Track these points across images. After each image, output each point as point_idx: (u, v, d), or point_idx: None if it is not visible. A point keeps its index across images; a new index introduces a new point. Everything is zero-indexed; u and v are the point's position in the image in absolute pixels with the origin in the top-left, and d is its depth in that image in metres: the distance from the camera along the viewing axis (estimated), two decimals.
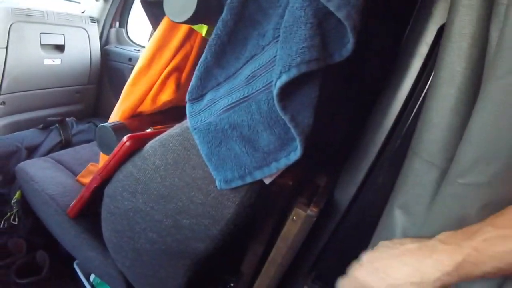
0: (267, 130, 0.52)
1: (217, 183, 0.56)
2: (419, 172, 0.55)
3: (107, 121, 1.63)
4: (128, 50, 1.78)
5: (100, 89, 1.86)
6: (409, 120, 0.67)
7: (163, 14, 0.77)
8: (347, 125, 0.80)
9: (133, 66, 1.63)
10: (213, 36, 0.56)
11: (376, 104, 0.71)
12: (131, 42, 1.87)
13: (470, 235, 0.41)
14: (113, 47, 1.81)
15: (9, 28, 1.37)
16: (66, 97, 1.69)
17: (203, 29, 0.69)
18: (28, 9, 1.45)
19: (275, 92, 0.47)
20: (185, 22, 0.61)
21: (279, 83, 0.46)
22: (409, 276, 0.43)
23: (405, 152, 0.60)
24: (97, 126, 1.58)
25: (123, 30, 1.87)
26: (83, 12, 1.75)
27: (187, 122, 0.59)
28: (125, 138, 0.65)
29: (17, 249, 1.23)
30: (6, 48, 1.36)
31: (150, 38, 1.77)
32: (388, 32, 0.80)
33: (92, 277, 1.13)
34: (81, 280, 1.11)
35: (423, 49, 0.63)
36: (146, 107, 0.83)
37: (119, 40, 1.86)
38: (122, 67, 1.76)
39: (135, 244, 0.74)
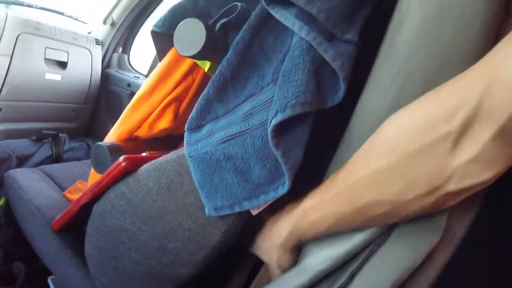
0: (259, 164, 0.56)
1: (206, 210, 0.58)
2: None
3: (96, 141, 1.66)
4: (128, 76, 1.82)
5: (95, 110, 1.88)
6: None
7: (170, 47, 0.82)
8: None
9: (131, 92, 1.70)
10: (217, 72, 0.60)
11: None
12: (131, 69, 1.92)
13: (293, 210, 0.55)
14: (113, 71, 1.85)
15: (17, 37, 1.40)
16: (61, 113, 1.72)
17: (206, 65, 0.74)
18: (38, 22, 1.50)
19: (269, 129, 0.51)
20: (191, 57, 0.66)
21: (274, 121, 0.50)
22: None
23: None
24: (89, 145, 1.61)
25: (125, 56, 1.92)
26: (89, 33, 1.81)
27: (183, 150, 0.62)
28: (121, 159, 0.68)
29: None
30: (11, 56, 1.39)
31: (150, 68, 1.84)
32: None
33: None
34: None
35: None
36: (143, 132, 0.86)
37: (120, 65, 1.91)
38: (120, 92, 1.79)
39: (118, 264, 0.75)
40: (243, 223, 0.62)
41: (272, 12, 0.56)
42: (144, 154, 0.74)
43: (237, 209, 0.57)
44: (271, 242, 0.58)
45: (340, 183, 0.47)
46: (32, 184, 1.08)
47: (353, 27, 0.53)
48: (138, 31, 1.90)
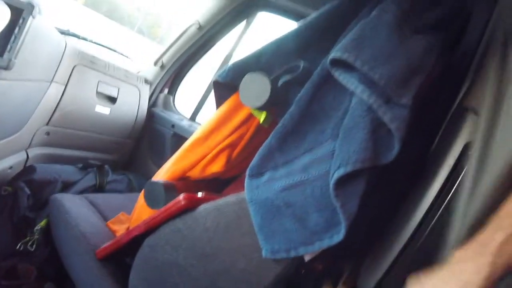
0: (317, 212, 0.60)
1: (263, 251, 0.62)
2: None
3: (138, 176, 1.73)
4: (172, 117, 1.91)
5: (137, 146, 1.96)
6: (434, 220, 0.74)
7: (228, 96, 0.89)
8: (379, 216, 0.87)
9: (174, 133, 1.78)
10: (280, 125, 0.66)
11: (405, 204, 0.79)
12: (175, 110, 2.02)
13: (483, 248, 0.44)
14: (159, 110, 1.94)
15: (73, 68, 1.50)
16: (104, 145, 1.79)
17: (261, 117, 0.80)
18: (93, 56, 1.61)
19: (332, 181, 0.56)
20: (255, 108, 0.73)
21: (336, 175, 0.55)
22: None
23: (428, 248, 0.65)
24: (130, 179, 1.67)
25: (171, 97, 2.02)
26: (138, 72, 1.93)
27: (243, 194, 0.67)
28: (181, 197, 0.73)
29: (25, 275, 1.24)
30: (66, 85, 1.48)
31: (193, 112, 1.93)
32: (417, 144, 0.90)
33: None
34: None
35: (450, 161, 0.72)
36: (195, 173, 0.91)
37: (166, 106, 2.01)
38: (164, 131, 1.87)
39: None
40: (293, 269, 0.65)
41: (336, 74, 0.62)
42: (199, 194, 0.79)
43: (292, 253, 0.61)
44: None
45: None
46: (78, 210, 1.13)
47: (408, 93, 0.59)
48: (185, 74, 2.00)
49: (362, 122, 0.58)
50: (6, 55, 0.98)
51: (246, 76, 0.74)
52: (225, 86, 0.86)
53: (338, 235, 0.58)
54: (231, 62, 1.87)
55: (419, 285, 0.46)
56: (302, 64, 0.75)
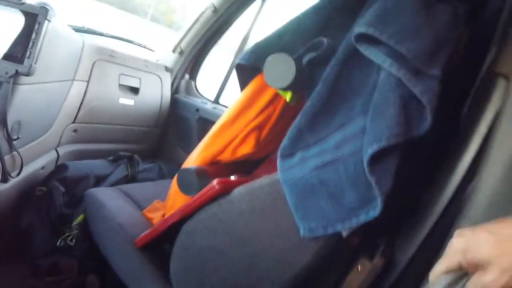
0: (351, 189, 0.60)
1: (301, 230, 0.63)
2: None
3: (167, 163, 1.76)
4: (196, 101, 1.93)
5: (164, 133, 2.00)
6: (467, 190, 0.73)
7: (252, 78, 0.89)
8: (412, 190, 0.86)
9: (200, 117, 1.79)
10: (308, 104, 0.66)
11: (438, 177, 0.78)
12: (198, 94, 2.04)
13: None
14: (182, 96, 1.97)
15: (93, 64, 1.53)
16: (132, 136, 1.84)
17: (287, 96, 0.80)
18: (112, 50, 1.63)
19: (366, 158, 0.56)
20: (281, 89, 0.73)
21: (370, 151, 0.55)
22: None
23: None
24: (160, 167, 1.71)
25: (193, 82, 2.04)
26: (157, 61, 1.95)
27: (275, 175, 0.67)
28: (214, 182, 0.74)
29: (68, 269, 1.29)
30: (88, 81, 1.51)
31: (217, 94, 1.94)
32: (447, 115, 0.88)
33: None
34: None
35: (482, 129, 0.70)
36: (226, 156, 0.92)
37: (188, 91, 2.03)
38: (189, 116, 1.91)
39: (204, 280, 0.80)
40: (331, 247, 0.66)
41: (361, 49, 0.61)
42: (232, 177, 0.80)
43: (330, 230, 0.62)
44: None
45: None
46: (113, 202, 1.17)
47: (437, 64, 0.58)
48: (204, 59, 2.02)
49: (392, 96, 0.57)
50: (26, 62, 1.00)
51: (269, 58, 0.74)
52: (248, 69, 0.86)
53: (374, 211, 0.58)
54: (250, 42, 1.87)
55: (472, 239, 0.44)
56: (325, 40, 0.74)
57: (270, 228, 0.67)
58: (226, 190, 0.74)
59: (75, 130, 1.56)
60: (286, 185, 0.64)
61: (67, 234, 1.28)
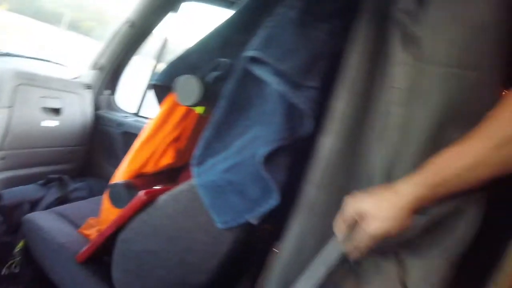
0: (253, 185, 0.73)
1: (218, 224, 0.75)
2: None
3: (96, 180, 1.79)
4: (118, 116, 1.97)
5: (90, 151, 2.01)
6: None
7: (167, 95, 0.99)
8: None
9: (122, 131, 1.83)
10: (213, 117, 0.78)
11: None
12: (119, 109, 2.07)
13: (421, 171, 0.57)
14: (104, 112, 1.99)
15: (15, 89, 1.51)
16: (59, 156, 1.84)
17: (199, 109, 0.91)
18: (32, 73, 1.62)
19: (260, 159, 0.69)
20: (189, 105, 0.84)
21: (262, 153, 0.68)
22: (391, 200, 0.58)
23: None
24: (89, 184, 1.74)
25: (113, 97, 2.07)
26: (76, 78, 1.95)
27: (192, 181, 0.78)
28: (141, 193, 0.84)
29: None
30: (11, 107, 1.50)
31: (138, 107, 1.98)
32: None
33: None
34: None
35: None
36: (149, 169, 1.02)
37: (109, 106, 2.05)
38: (112, 131, 1.94)
39: (143, 281, 0.89)
40: (246, 233, 0.79)
41: (253, 69, 0.74)
42: (157, 187, 0.90)
43: (241, 220, 0.74)
44: (392, 206, 0.58)
45: (481, 131, 0.55)
46: (50, 224, 1.20)
47: (314, 77, 0.72)
48: (121, 73, 2.05)
49: (278, 107, 0.71)
50: None
51: (179, 79, 0.84)
52: (162, 87, 0.96)
53: (274, 200, 0.72)
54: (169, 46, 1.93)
55: (358, 200, 0.61)
56: (225, 61, 0.86)
57: (193, 226, 0.79)
58: (152, 198, 0.84)
59: (3, 158, 1.54)
60: (201, 188, 0.76)
61: (10, 262, 1.29)
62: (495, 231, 0.73)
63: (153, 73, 1.96)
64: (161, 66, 1.98)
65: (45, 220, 1.23)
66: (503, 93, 0.60)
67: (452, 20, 0.58)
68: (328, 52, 0.76)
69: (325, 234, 0.66)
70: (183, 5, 1.86)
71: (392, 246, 0.62)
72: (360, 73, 0.67)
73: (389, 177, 0.62)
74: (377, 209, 0.58)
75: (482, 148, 0.53)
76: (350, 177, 0.68)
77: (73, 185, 1.64)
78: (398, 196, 0.57)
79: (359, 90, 0.67)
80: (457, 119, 0.59)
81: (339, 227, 0.62)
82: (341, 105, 0.68)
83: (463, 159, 0.55)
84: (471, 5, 0.57)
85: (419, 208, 0.57)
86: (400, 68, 0.62)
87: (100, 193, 1.69)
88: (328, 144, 0.68)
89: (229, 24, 0.93)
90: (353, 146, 0.68)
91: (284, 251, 0.73)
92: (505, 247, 0.62)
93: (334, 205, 0.67)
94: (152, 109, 1.97)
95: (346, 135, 0.68)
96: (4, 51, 1.74)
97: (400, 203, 0.56)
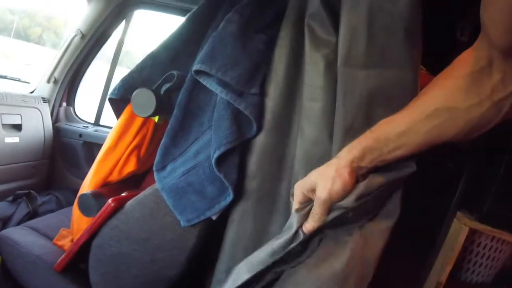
0: (210, 185, 0.81)
1: (181, 222, 0.83)
2: None
3: (62, 192, 1.83)
4: (78, 127, 2.00)
5: (52, 163, 2.04)
6: None
7: (124, 108, 1.06)
8: None
9: (84, 141, 1.87)
10: (169, 126, 0.86)
11: None
12: (79, 120, 2.10)
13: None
14: (63, 124, 2.02)
15: None
16: (23, 172, 1.86)
17: (155, 118, 0.99)
18: None
19: (213, 161, 0.77)
20: (146, 117, 0.91)
21: (215, 155, 0.77)
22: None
23: None
24: (57, 197, 1.77)
25: (71, 109, 2.09)
26: (32, 92, 1.96)
27: (155, 185, 0.86)
28: (110, 201, 0.91)
29: None
30: None
31: (96, 116, 2.00)
32: None
33: None
34: None
35: None
36: (114, 177, 1.09)
37: (68, 118, 2.08)
38: (73, 143, 1.97)
39: (120, 281, 0.96)
40: (208, 227, 0.87)
41: (200, 80, 0.82)
42: (123, 194, 0.97)
43: (202, 217, 0.83)
44: (337, 163, 0.63)
45: (413, 105, 0.61)
46: (25, 239, 1.24)
47: (255, 84, 0.80)
48: (79, 84, 2.08)
49: (225, 113, 0.79)
50: None
51: (134, 93, 0.91)
52: (119, 101, 1.02)
53: (229, 197, 0.80)
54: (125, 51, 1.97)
55: (306, 178, 0.67)
56: (176, 73, 0.94)
57: (160, 226, 0.87)
58: (120, 205, 0.91)
59: None
60: (164, 191, 0.84)
61: None
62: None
63: (109, 80, 1.99)
64: (118, 71, 2.02)
65: (19, 235, 1.27)
66: None
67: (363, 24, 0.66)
68: (266, 61, 0.84)
69: (261, 219, 0.79)
70: (136, 13, 1.89)
71: (351, 217, 0.66)
72: (284, 73, 0.79)
73: (307, 166, 0.71)
74: (322, 175, 0.64)
75: (412, 118, 0.59)
76: (280, 166, 0.79)
77: (41, 199, 1.68)
78: (338, 159, 0.63)
79: (283, 89, 0.79)
80: (379, 111, 0.67)
81: (296, 208, 0.67)
82: (270, 103, 0.79)
83: (395, 127, 0.60)
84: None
85: (358, 170, 0.63)
86: (311, 67, 0.72)
87: (68, 204, 1.75)
88: (260, 139, 0.79)
89: (177, 37, 1.00)
90: (281, 139, 0.79)
91: (227, 237, 0.83)
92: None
93: (266, 192, 0.79)
94: (111, 117, 2.02)
95: (276, 130, 0.79)
96: None
97: (340, 164, 0.62)
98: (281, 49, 0.80)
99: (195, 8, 1.01)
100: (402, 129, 0.60)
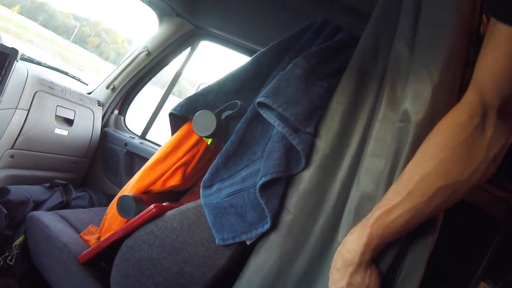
0: (252, 210, 0.86)
1: (216, 241, 0.87)
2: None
3: (95, 193, 1.93)
4: (124, 136, 2.09)
5: (92, 164, 2.13)
6: None
7: (181, 125, 1.14)
8: None
9: (128, 151, 1.96)
10: (224, 149, 0.92)
11: None
12: (127, 129, 2.20)
13: (365, 223, 0.68)
14: (111, 130, 2.12)
15: (34, 94, 1.63)
16: (63, 165, 1.94)
17: (209, 141, 1.06)
18: (51, 82, 1.75)
19: (258, 186, 0.82)
20: (204, 137, 0.98)
21: (260, 182, 0.82)
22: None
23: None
24: (90, 195, 1.84)
25: (122, 118, 2.20)
26: (89, 93, 2.09)
27: (199, 201, 0.92)
28: (152, 206, 0.96)
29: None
30: (28, 111, 1.61)
31: (143, 130, 2.11)
32: None
33: None
34: None
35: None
36: (156, 187, 1.15)
37: (117, 125, 2.19)
38: (117, 149, 2.06)
39: (141, 287, 1.00)
40: (241, 251, 0.91)
41: (261, 112, 0.89)
42: (165, 203, 1.02)
43: (237, 239, 0.87)
44: (343, 263, 0.70)
45: (407, 184, 0.62)
46: (55, 224, 1.30)
47: (311, 124, 0.87)
48: (134, 96, 2.20)
49: (278, 146, 0.85)
50: None
51: (198, 113, 0.99)
52: (179, 117, 1.10)
53: (267, 225, 0.85)
54: (181, 81, 2.09)
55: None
56: (239, 102, 1.02)
57: (195, 240, 0.91)
58: (161, 212, 0.96)
59: (12, 156, 1.64)
60: (206, 207, 0.89)
61: (7, 253, 1.36)
62: None
63: (164, 98, 2.11)
64: (172, 98, 2.14)
65: (50, 220, 1.33)
66: None
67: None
68: (324, 105, 0.90)
69: (287, 253, 0.85)
70: (202, 44, 2.03)
71: None
72: (339, 119, 0.85)
73: (355, 218, 0.76)
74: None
75: (414, 204, 0.61)
76: (318, 207, 0.85)
77: (75, 193, 1.74)
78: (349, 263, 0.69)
79: (335, 134, 0.85)
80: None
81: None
82: (321, 145, 0.85)
83: (398, 218, 0.63)
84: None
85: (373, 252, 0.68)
86: (383, 125, 0.77)
87: (99, 205, 1.81)
88: (305, 176, 0.85)
89: (245, 71, 1.09)
90: (325, 180, 0.85)
91: (250, 263, 0.88)
92: None
93: (298, 228, 0.85)
94: (158, 134, 2.12)
95: (321, 171, 0.85)
96: (27, 55, 1.86)
97: (355, 258, 0.68)
98: (337, 95, 0.87)
99: (259, 48, 1.10)
100: (406, 218, 0.63)
